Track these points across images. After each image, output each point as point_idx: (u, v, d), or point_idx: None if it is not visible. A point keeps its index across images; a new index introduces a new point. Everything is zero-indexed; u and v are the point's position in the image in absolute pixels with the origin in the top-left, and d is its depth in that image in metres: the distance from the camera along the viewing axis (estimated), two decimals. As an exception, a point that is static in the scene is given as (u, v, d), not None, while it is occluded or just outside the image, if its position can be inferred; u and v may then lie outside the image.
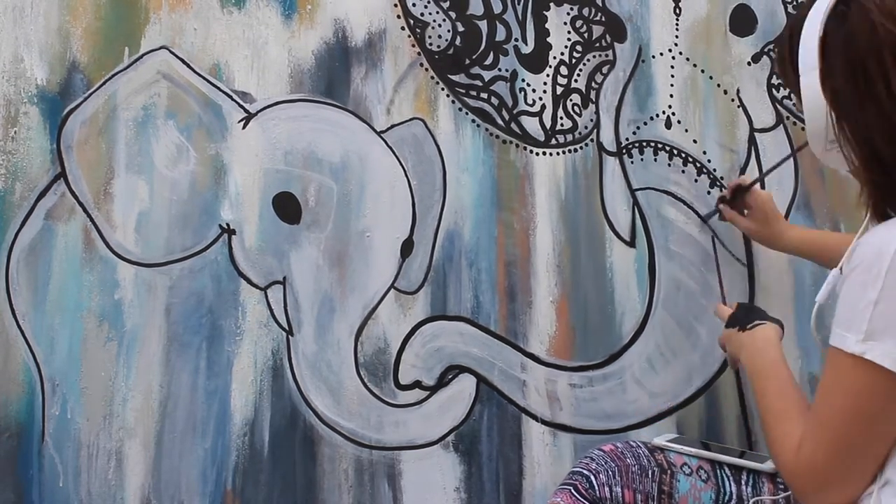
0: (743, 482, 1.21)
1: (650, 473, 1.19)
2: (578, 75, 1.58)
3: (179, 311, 1.33)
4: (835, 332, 0.91)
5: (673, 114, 1.61)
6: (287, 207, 1.40)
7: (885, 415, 0.87)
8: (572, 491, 1.16)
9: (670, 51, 1.63)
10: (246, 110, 1.41)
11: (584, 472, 1.17)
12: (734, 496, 1.20)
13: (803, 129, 1.67)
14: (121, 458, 1.28)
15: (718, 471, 1.22)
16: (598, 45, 1.60)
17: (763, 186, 1.57)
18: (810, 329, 1.01)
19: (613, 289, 1.53)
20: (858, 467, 0.90)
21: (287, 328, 1.38)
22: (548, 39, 1.57)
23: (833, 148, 0.95)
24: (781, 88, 1.68)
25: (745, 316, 1.24)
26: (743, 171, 1.63)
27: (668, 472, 1.20)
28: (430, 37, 1.51)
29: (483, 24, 1.53)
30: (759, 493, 1.20)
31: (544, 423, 1.46)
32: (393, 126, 1.47)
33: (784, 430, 0.98)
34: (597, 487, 1.15)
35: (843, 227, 1.68)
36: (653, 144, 1.59)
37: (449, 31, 1.51)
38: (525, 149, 1.53)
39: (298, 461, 1.35)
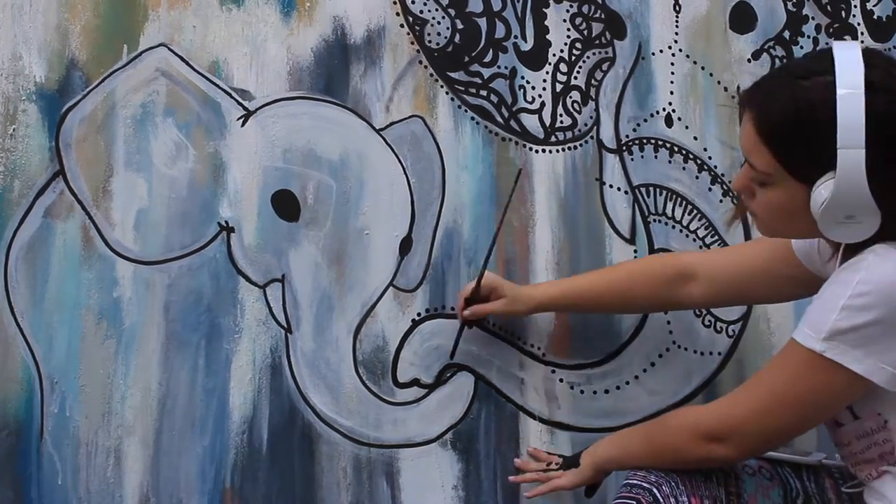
0: (804, 478, 1.20)
1: (714, 478, 1.13)
2: (578, 72, 1.57)
3: (178, 308, 1.33)
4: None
5: (673, 111, 1.61)
6: (286, 205, 1.40)
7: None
8: None
9: (670, 48, 1.62)
10: (245, 108, 1.41)
11: (644, 484, 1.09)
12: (801, 492, 1.18)
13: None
14: (119, 456, 1.28)
15: (779, 469, 1.20)
16: (597, 42, 1.59)
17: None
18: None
19: (612, 287, 1.53)
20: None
21: (286, 326, 1.38)
22: (547, 37, 1.56)
23: (850, 221, 0.95)
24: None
25: (566, 459, 1.29)
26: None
27: (732, 474, 1.15)
28: (429, 34, 1.50)
29: (482, 22, 1.53)
30: (821, 489, 1.19)
31: (542, 421, 1.46)
32: (392, 124, 1.47)
33: (678, 422, 1.12)
34: (661, 500, 1.07)
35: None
36: (653, 141, 1.59)
37: (448, 28, 1.51)
38: (524, 146, 1.53)
39: (297, 459, 1.35)
